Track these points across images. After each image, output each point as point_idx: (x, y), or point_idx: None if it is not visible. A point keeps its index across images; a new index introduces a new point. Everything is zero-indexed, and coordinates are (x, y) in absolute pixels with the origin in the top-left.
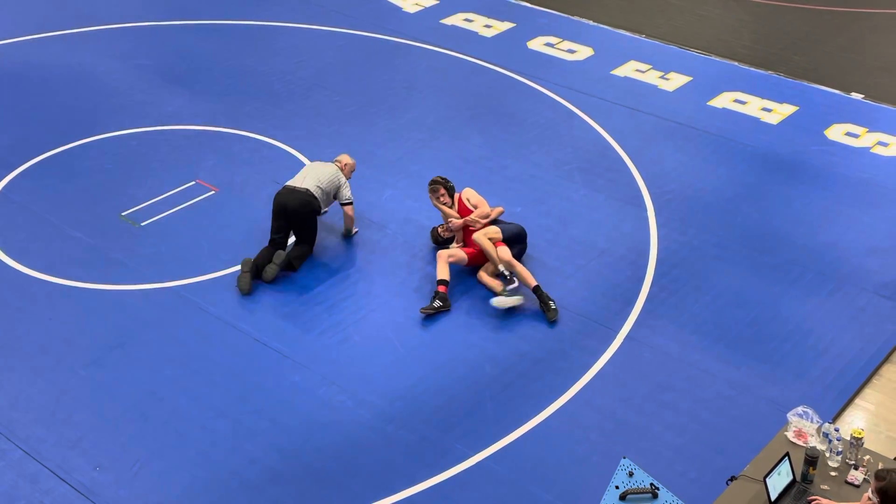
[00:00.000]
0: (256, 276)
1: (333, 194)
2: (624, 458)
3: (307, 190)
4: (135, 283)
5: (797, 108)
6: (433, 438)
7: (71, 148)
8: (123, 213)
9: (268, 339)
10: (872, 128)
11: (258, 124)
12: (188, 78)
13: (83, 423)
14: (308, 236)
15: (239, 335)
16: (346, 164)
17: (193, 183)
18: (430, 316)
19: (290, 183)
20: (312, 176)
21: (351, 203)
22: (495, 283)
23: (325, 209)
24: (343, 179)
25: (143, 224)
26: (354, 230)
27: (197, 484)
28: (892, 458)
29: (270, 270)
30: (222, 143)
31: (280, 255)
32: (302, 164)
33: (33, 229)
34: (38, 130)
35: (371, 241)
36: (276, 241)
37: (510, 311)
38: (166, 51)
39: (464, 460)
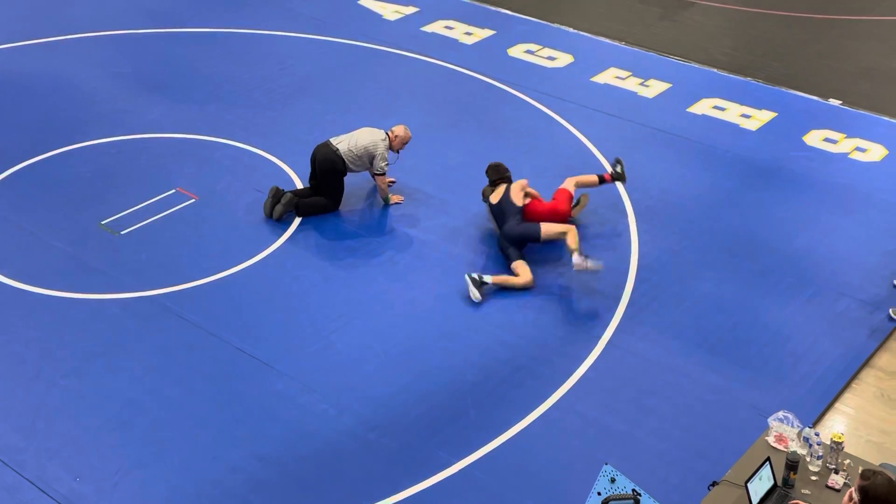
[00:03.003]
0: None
1: (370, 161)
2: (606, 464)
3: (336, 150)
4: (115, 292)
5: (776, 114)
6: (416, 446)
7: (50, 156)
8: (103, 222)
9: (249, 348)
10: (850, 134)
11: (239, 132)
12: (168, 86)
13: (63, 433)
14: (327, 191)
15: (220, 344)
16: (395, 136)
17: (174, 191)
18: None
19: (331, 139)
20: (350, 139)
21: (382, 174)
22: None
23: (357, 170)
24: (381, 150)
25: (122, 233)
26: (394, 199)
27: (178, 493)
28: (872, 461)
29: (277, 210)
30: (203, 151)
31: (287, 196)
32: (283, 172)
33: (12, 239)
34: (16, 139)
35: (352, 249)
36: (311, 187)
37: (493, 317)
38: (146, 59)
39: (446, 468)
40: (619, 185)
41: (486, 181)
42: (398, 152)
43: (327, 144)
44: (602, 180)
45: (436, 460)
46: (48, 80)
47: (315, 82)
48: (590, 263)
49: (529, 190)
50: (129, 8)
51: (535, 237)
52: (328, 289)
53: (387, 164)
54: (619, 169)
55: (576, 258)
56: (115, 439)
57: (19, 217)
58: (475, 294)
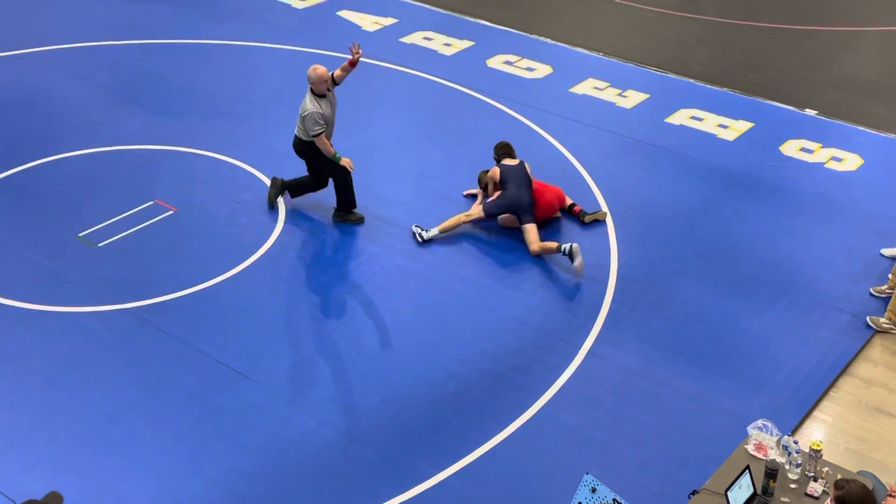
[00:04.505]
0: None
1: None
2: (587, 473)
3: (295, 132)
4: (92, 305)
5: (753, 124)
6: (396, 457)
7: (27, 169)
8: (80, 234)
9: (228, 360)
10: (826, 143)
11: (217, 143)
12: (145, 98)
13: (40, 447)
14: (311, 170)
15: (199, 356)
16: (310, 84)
17: (152, 203)
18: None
19: None
20: None
21: (316, 136)
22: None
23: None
24: (306, 108)
25: (100, 245)
26: (345, 161)
27: None
28: (850, 469)
29: (270, 196)
30: (181, 162)
31: (276, 182)
32: (261, 183)
33: None
34: None
35: (330, 261)
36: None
37: (473, 326)
38: (123, 71)
39: (427, 478)
40: (598, 193)
41: (464, 190)
42: (329, 90)
43: None
44: (572, 207)
45: (417, 471)
46: (24, 91)
47: (293, 93)
48: (577, 260)
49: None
50: (105, 19)
51: (533, 215)
52: (307, 300)
53: (319, 127)
54: (587, 219)
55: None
56: (92, 453)
57: None
58: (578, 261)
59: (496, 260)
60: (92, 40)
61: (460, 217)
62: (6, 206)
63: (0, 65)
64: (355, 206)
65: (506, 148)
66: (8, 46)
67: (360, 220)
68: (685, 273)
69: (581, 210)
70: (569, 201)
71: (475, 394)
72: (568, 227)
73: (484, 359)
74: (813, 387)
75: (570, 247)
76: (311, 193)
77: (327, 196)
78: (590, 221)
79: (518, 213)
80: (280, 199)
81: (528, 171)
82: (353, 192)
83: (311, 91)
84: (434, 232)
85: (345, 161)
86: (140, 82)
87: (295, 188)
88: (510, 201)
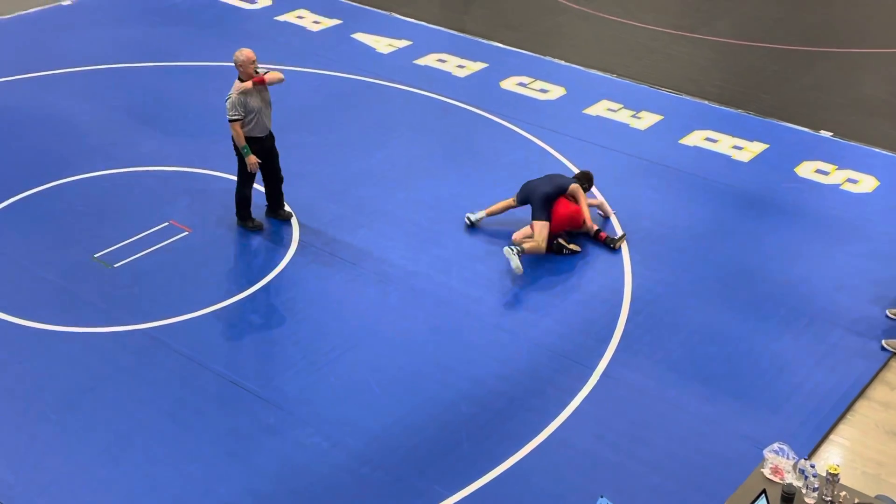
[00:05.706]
0: (273, 215)
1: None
2: (601, 496)
3: None
4: (107, 326)
5: (767, 145)
6: (409, 479)
7: (43, 190)
8: (96, 255)
9: (241, 381)
10: (842, 165)
11: (231, 164)
12: (161, 119)
13: (53, 467)
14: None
15: (212, 377)
16: (239, 68)
17: (167, 224)
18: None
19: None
20: None
21: (230, 121)
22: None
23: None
24: (229, 94)
25: (115, 266)
26: (251, 160)
27: None
28: (868, 493)
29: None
30: (195, 183)
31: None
32: None
33: (4, 272)
34: (9, 172)
35: (344, 281)
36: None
37: (486, 348)
38: (139, 92)
39: (440, 501)
40: (613, 217)
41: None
42: (255, 72)
43: None
44: (598, 234)
45: (430, 494)
46: (40, 114)
47: (308, 115)
48: (514, 261)
49: (579, 199)
50: (120, 42)
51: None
52: (321, 321)
53: (234, 113)
54: (616, 245)
55: (511, 250)
56: (105, 474)
57: (12, 250)
58: (517, 265)
59: (510, 281)
60: (107, 63)
61: (509, 201)
62: (23, 226)
63: (16, 87)
64: (247, 215)
65: (579, 175)
66: (24, 69)
67: (258, 228)
68: (700, 295)
69: (608, 236)
70: (595, 227)
71: (488, 416)
72: (595, 252)
73: (497, 381)
74: (829, 410)
75: (516, 249)
76: (278, 194)
77: (337, 218)
78: (618, 247)
79: (531, 205)
80: (293, 220)
81: (562, 186)
82: (247, 199)
83: (238, 76)
84: (481, 214)
85: (251, 159)
86: (155, 104)
87: (241, 205)
88: (526, 189)
